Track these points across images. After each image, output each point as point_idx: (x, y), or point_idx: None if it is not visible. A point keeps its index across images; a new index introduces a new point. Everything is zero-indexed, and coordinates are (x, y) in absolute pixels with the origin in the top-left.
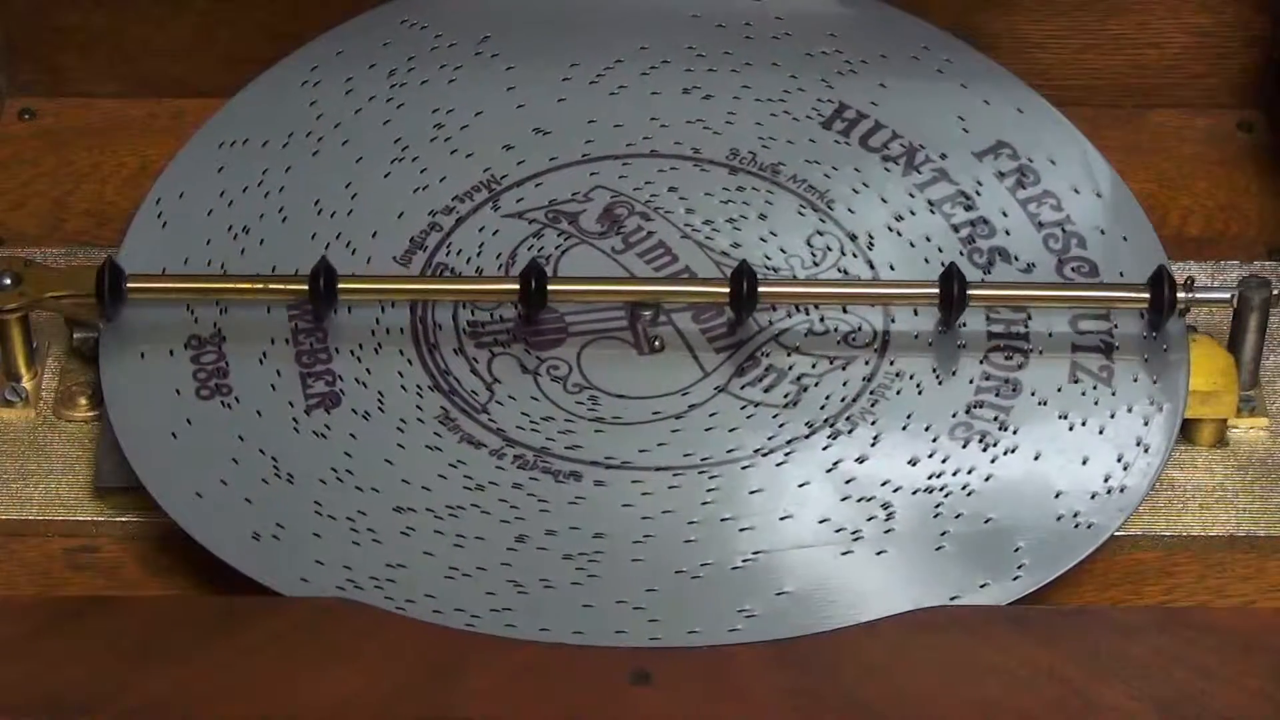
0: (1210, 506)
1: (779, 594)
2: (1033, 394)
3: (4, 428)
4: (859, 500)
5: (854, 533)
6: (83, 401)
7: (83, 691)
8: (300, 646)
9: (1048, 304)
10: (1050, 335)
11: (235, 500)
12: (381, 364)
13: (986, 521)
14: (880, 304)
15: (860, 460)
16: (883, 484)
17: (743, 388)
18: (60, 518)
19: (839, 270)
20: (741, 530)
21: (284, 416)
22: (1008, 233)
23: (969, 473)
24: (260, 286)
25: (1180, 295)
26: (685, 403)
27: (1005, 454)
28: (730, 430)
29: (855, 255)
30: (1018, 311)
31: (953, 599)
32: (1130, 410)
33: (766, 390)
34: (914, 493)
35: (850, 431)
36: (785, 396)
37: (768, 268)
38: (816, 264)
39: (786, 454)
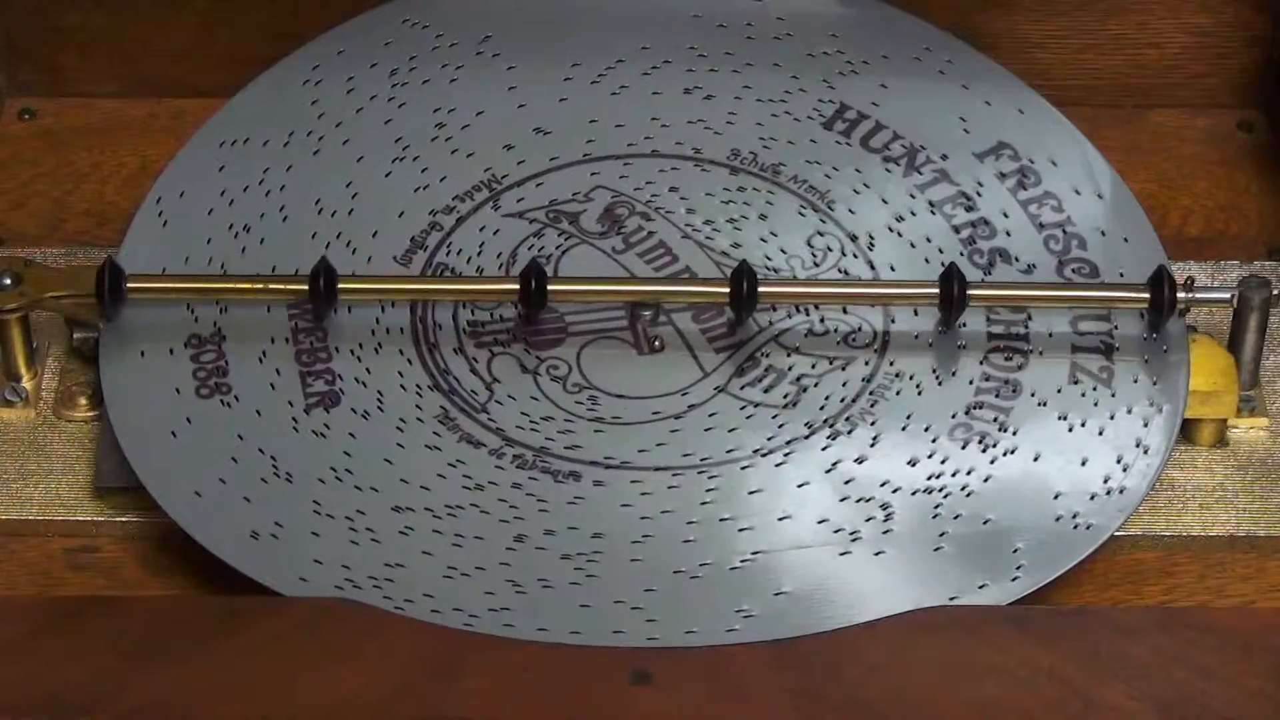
0: (1210, 506)
1: (777, 594)
2: (1032, 395)
3: (4, 428)
4: (858, 501)
5: (853, 533)
6: (83, 401)
7: (83, 691)
8: (300, 646)
9: (1048, 304)
10: (1050, 336)
11: (234, 499)
12: (381, 363)
13: (985, 522)
14: (880, 304)
15: (859, 461)
16: (882, 484)
17: (742, 388)
18: (60, 518)
19: (839, 271)
20: (740, 530)
21: (283, 416)
22: (1008, 234)
23: (968, 473)
24: (260, 286)
25: (1180, 295)
26: (685, 403)
27: (1004, 455)
28: (730, 430)
29: (856, 256)
30: (1018, 312)
31: (951, 599)
32: (1130, 412)
33: (766, 390)
34: (913, 493)
35: (850, 432)
36: (785, 397)
37: (768, 268)
38: (817, 264)
39: (786, 454)
